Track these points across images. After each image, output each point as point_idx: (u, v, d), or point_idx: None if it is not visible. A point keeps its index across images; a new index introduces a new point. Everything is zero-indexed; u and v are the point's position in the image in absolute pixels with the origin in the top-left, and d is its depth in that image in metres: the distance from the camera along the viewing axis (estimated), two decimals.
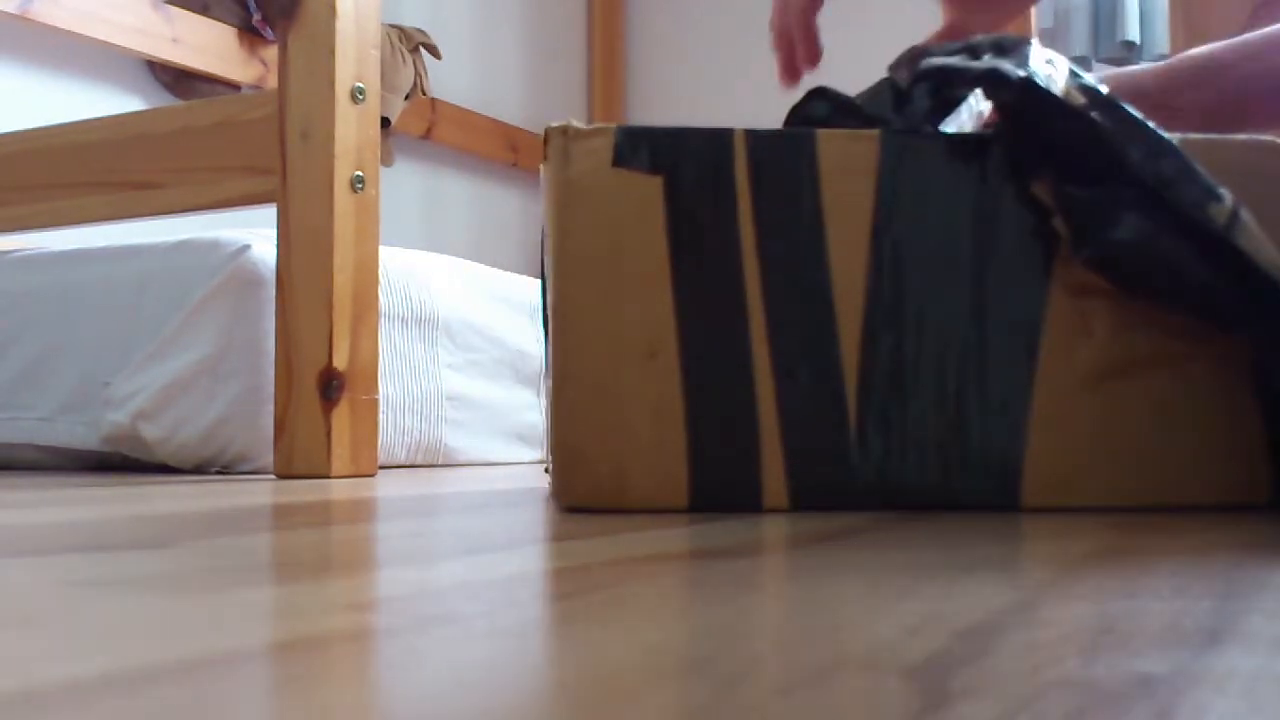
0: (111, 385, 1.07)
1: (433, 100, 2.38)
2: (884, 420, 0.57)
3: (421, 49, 2.19)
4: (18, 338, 1.17)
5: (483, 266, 1.38)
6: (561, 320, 0.56)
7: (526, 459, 1.36)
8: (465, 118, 2.49)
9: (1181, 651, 0.22)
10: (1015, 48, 0.57)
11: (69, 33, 1.68)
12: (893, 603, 0.28)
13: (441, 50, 2.31)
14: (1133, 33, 2.37)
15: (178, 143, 1.05)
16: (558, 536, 0.44)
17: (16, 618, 0.26)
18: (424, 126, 2.37)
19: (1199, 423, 0.58)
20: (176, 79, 1.89)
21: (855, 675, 0.20)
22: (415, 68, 2.17)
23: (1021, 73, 0.56)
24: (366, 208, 0.98)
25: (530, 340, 1.38)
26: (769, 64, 2.74)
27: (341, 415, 0.95)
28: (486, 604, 0.28)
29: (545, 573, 0.34)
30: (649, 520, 0.51)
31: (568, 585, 0.31)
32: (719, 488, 0.56)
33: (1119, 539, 0.44)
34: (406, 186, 2.39)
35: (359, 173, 0.97)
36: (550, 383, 0.58)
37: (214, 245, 1.08)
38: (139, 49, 1.77)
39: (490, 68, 2.61)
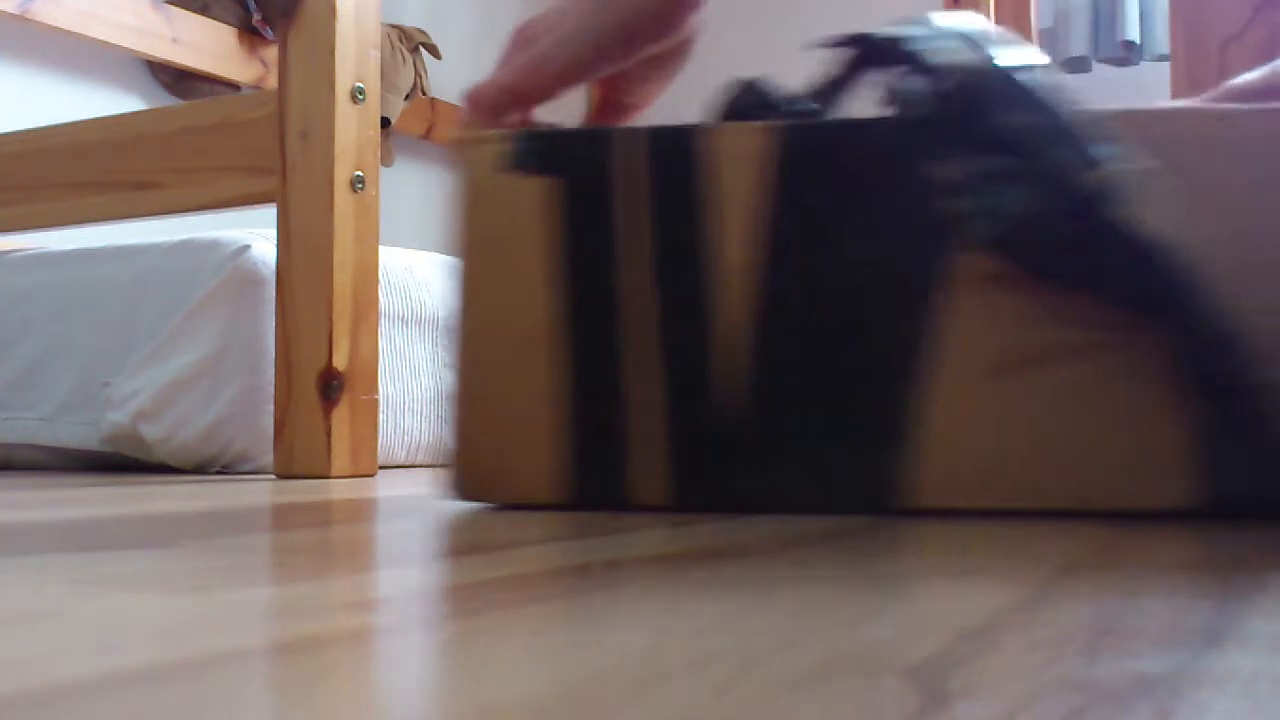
0: (111, 385, 1.07)
1: (433, 100, 2.38)
2: (766, 419, 0.55)
3: (421, 49, 2.19)
4: (18, 338, 1.17)
5: None
6: (461, 320, 0.58)
7: None
8: None
9: (1181, 651, 0.22)
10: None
11: (69, 33, 1.68)
12: (892, 603, 0.28)
13: (441, 50, 2.31)
14: (1133, 33, 2.37)
15: (178, 143, 1.05)
16: (557, 537, 0.44)
17: (16, 618, 0.26)
18: (424, 126, 2.37)
19: (1114, 420, 0.53)
20: (176, 79, 1.89)
21: (854, 675, 0.20)
22: (415, 68, 2.17)
23: (890, 33, 0.54)
24: (366, 208, 0.98)
25: None
26: (767, 63, 2.74)
27: (341, 415, 0.95)
28: (486, 603, 0.28)
29: (545, 572, 0.34)
30: (648, 520, 0.51)
31: (568, 585, 0.31)
32: (597, 484, 0.57)
33: (1118, 539, 0.44)
34: (406, 186, 2.39)
35: (359, 173, 0.97)
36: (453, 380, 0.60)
37: (214, 245, 1.08)
38: (139, 49, 1.77)
39: (490, 68, 2.61)
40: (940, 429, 0.54)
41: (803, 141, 0.56)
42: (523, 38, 0.61)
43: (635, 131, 0.58)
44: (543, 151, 0.58)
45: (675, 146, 0.57)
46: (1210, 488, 0.51)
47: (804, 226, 0.56)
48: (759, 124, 0.57)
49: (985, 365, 0.54)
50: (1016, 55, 0.53)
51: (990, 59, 0.53)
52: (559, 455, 0.57)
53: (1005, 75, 0.53)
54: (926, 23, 0.55)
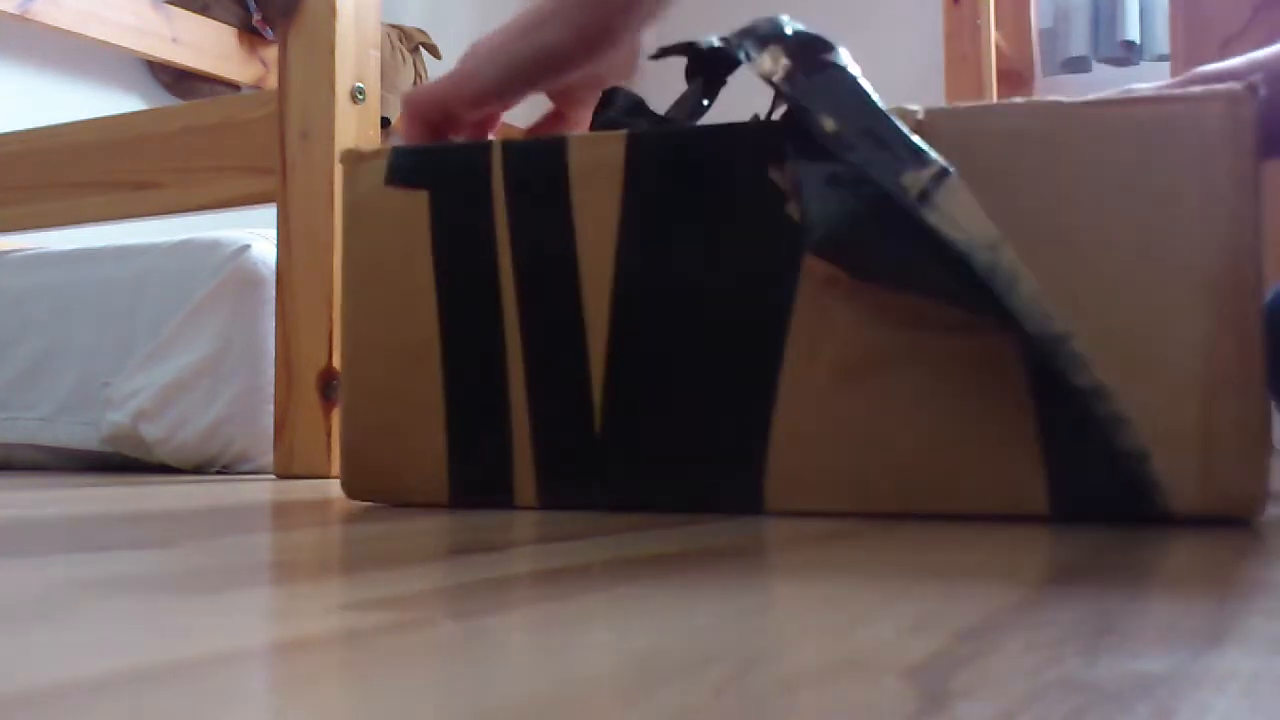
0: (111, 385, 1.07)
1: None
2: (628, 420, 0.57)
3: (421, 49, 2.19)
4: (18, 338, 1.17)
5: None
6: (346, 328, 0.62)
7: None
8: None
9: (1181, 651, 0.22)
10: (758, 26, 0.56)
11: (69, 33, 1.68)
12: (893, 603, 0.28)
13: (441, 50, 2.31)
14: (1133, 33, 2.37)
15: (178, 143, 1.05)
16: (557, 537, 0.44)
17: (16, 618, 0.26)
18: None
19: (960, 424, 0.53)
20: (176, 79, 1.89)
21: (855, 675, 0.20)
22: (415, 68, 2.17)
23: (715, 41, 0.56)
24: None
25: None
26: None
27: None
28: (486, 604, 0.28)
29: (545, 573, 0.34)
30: (648, 520, 0.51)
31: (568, 585, 0.31)
32: (475, 485, 0.59)
33: (1117, 540, 0.44)
34: None
35: None
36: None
37: (214, 245, 1.08)
38: (139, 49, 1.77)
39: None
40: (787, 434, 0.55)
41: (654, 149, 0.57)
42: (468, 53, 0.63)
43: (500, 144, 0.59)
44: (417, 165, 0.60)
45: (537, 157, 0.59)
46: (1054, 490, 0.52)
47: (656, 234, 0.57)
48: (614, 133, 0.58)
49: (829, 369, 0.54)
50: (834, 57, 0.54)
51: (810, 63, 0.54)
52: (439, 458, 0.59)
53: (826, 79, 0.53)
54: (755, 28, 0.56)
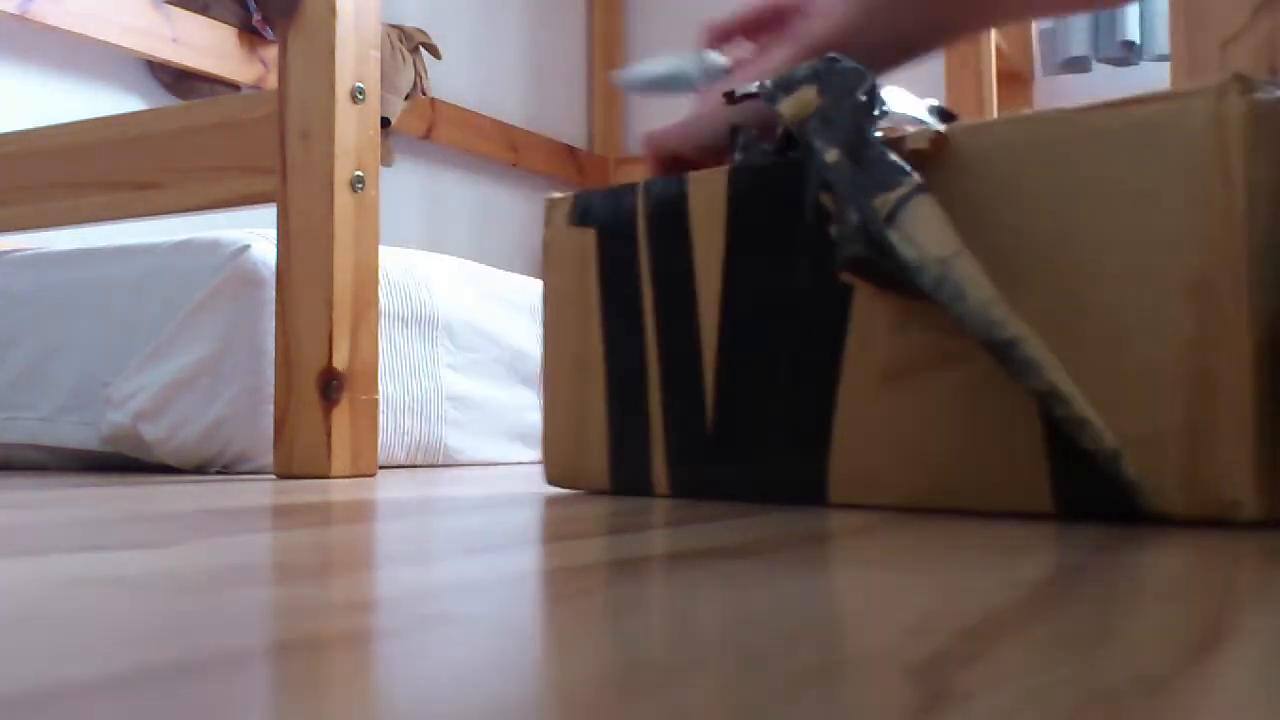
0: (111, 385, 1.07)
1: (433, 100, 2.38)
2: (728, 420, 0.65)
3: (421, 49, 2.19)
4: (18, 338, 1.17)
5: (483, 266, 1.38)
6: (546, 344, 0.74)
7: (526, 459, 1.36)
8: (465, 118, 2.49)
9: (1182, 651, 0.22)
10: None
11: (69, 33, 1.68)
12: (893, 602, 0.28)
13: (441, 50, 2.31)
14: (1133, 33, 2.37)
15: (178, 143, 1.05)
16: (557, 537, 0.44)
17: (16, 618, 0.26)
18: (424, 126, 2.37)
19: (978, 426, 0.55)
20: (176, 79, 1.89)
21: (855, 674, 0.20)
22: (415, 68, 2.17)
23: (752, 89, 0.62)
24: (366, 208, 0.98)
25: (530, 340, 1.38)
26: None
27: (341, 415, 0.95)
28: (486, 604, 0.28)
29: (545, 573, 0.34)
30: (646, 520, 0.51)
31: (567, 585, 0.31)
32: (627, 477, 0.70)
33: (1117, 539, 0.44)
34: (406, 186, 2.39)
35: (359, 173, 0.97)
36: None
37: (214, 245, 1.08)
38: (139, 49, 1.77)
39: (490, 68, 2.61)
40: (845, 432, 0.60)
41: (748, 182, 0.65)
42: (703, 99, 0.71)
43: (643, 186, 0.69)
44: (587, 207, 0.72)
45: (667, 195, 0.68)
46: (1056, 490, 0.53)
47: (751, 257, 0.64)
48: (720, 170, 0.66)
49: (875, 372, 0.59)
50: (860, 90, 0.58)
51: (840, 96, 0.58)
52: (603, 454, 0.71)
53: (842, 112, 0.58)
54: (794, 74, 0.61)
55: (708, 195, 0.66)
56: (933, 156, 0.56)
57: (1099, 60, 2.43)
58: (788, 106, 0.60)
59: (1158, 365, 0.50)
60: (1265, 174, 0.50)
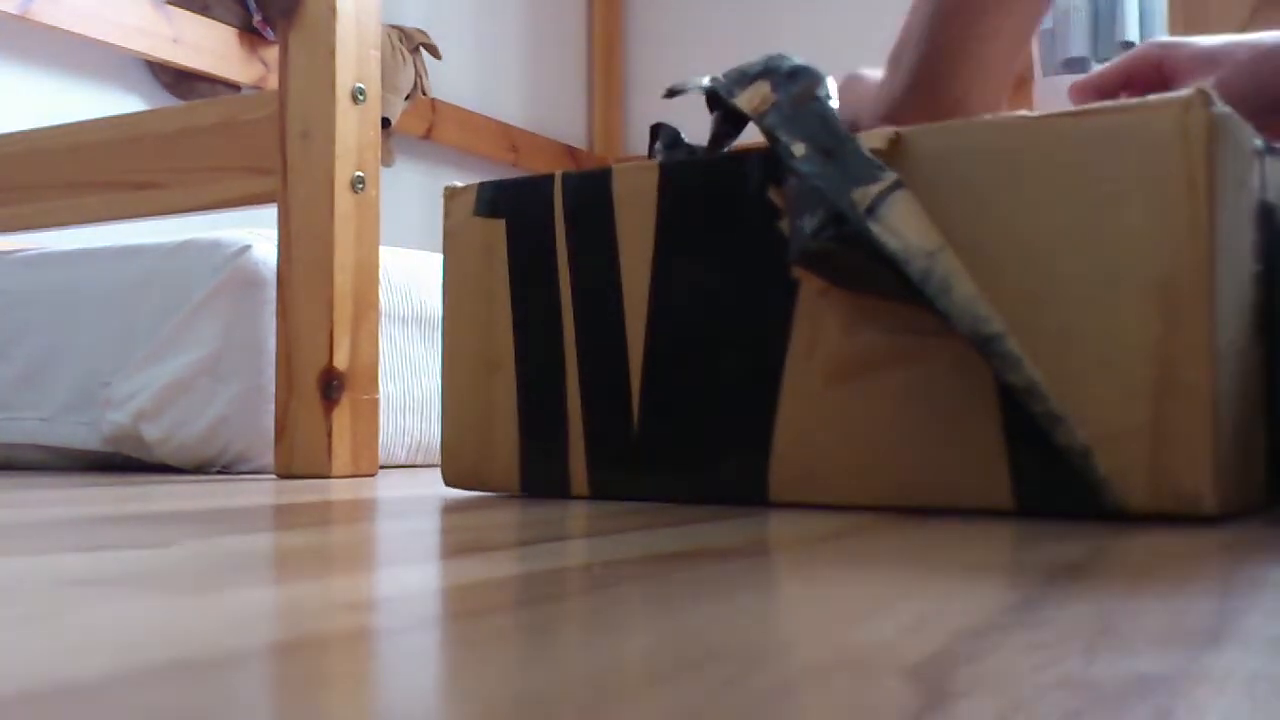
0: (111, 385, 1.07)
1: (433, 100, 2.38)
2: (659, 420, 0.64)
3: (421, 49, 2.19)
4: (18, 338, 1.17)
5: None
6: (445, 341, 0.71)
7: None
8: (465, 118, 2.49)
9: (1181, 651, 0.22)
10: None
11: (69, 33, 1.68)
12: (893, 603, 0.28)
13: (441, 50, 2.31)
14: (1132, 33, 2.37)
15: (178, 143, 1.05)
16: (556, 537, 0.44)
17: (16, 618, 0.26)
18: (424, 126, 2.37)
19: (933, 424, 0.56)
20: (176, 79, 1.89)
21: (855, 675, 0.20)
22: (415, 68, 2.17)
23: (704, 82, 0.63)
24: (366, 208, 0.98)
25: None
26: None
27: (342, 415, 0.95)
28: (486, 604, 0.28)
29: (544, 573, 0.34)
30: (646, 520, 0.51)
31: (566, 586, 0.31)
32: (540, 478, 0.68)
33: (1117, 539, 0.44)
34: (406, 186, 2.39)
35: (359, 173, 0.97)
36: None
37: (214, 245, 1.08)
38: (139, 49, 1.77)
39: (490, 68, 2.61)
40: (788, 431, 0.60)
41: (681, 177, 0.64)
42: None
43: (560, 176, 0.67)
44: (497, 198, 0.70)
45: (588, 187, 0.66)
46: (1017, 487, 0.55)
47: (683, 254, 0.64)
48: (649, 163, 0.65)
49: (822, 371, 0.59)
50: (820, 90, 0.59)
51: (798, 95, 0.59)
52: (513, 454, 0.68)
53: (805, 110, 0.58)
54: (747, 68, 0.62)
55: (635, 189, 0.65)
56: (889, 156, 0.57)
57: (1099, 60, 2.42)
58: (744, 100, 0.60)
59: (1123, 365, 0.52)
60: (1226, 182, 0.52)
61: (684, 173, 0.63)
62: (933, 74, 0.64)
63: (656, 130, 0.67)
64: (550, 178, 0.68)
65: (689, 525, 0.49)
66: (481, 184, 0.70)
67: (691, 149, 0.66)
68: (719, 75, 0.63)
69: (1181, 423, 0.51)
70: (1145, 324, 0.52)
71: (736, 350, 0.61)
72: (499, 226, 0.69)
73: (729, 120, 0.64)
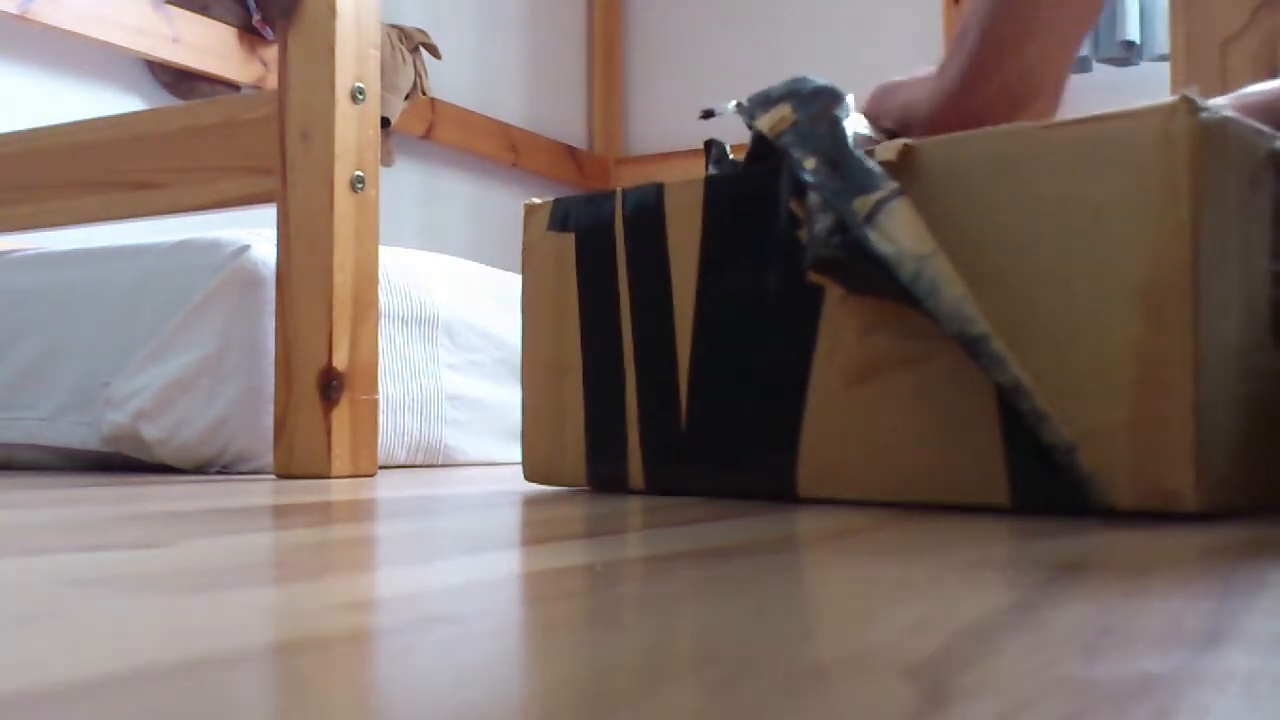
0: (111, 385, 1.07)
1: (433, 100, 2.38)
2: (703, 421, 0.68)
3: (421, 49, 2.19)
4: (18, 338, 1.17)
5: (482, 266, 1.38)
6: (524, 347, 0.77)
7: None
8: (465, 118, 2.49)
9: (1181, 651, 0.22)
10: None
11: (69, 33, 1.68)
12: (893, 603, 0.28)
13: (441, 50, 2.31)
14: (1133, 33, 2.37)
15: (178, 143, 1.05)
16: (556, 537, 0.44)
17: (16, 618, 0.26)
18: (424, 126, 2.37)
19: (939, 424, 0.59)
20: (176, 79, 1.89)
21: (855, 675, 0.20)
22: (415, 68, 2.17)
23: (731, 108, 0.66)
24: (366, 208, 0.98)
25: None
26: (767, 64, 2.74)
27: (341, 415, 0.95)
28: (486, 604, 0.28)
29: (544, 573, 0.34)
30: (645, 520, 0.51)
31: (567, 586, 0.31)
32: (603, 474, 0.73)
33: (1117, 539, 0.44)
34: (406, 186, 2.39)
35: (359, 173, 0.97)
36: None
37: (214, 245, 1.08)
38: (139, 49, 1.77)
39: (490, 68, 2.61)
40: (813, 431, 0.63)
41: (723, 190, 0.68)
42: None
43: (621, 192, 0.72)
44: (567, 213, 0.75)
45: (644, 202, 0.71)
46: (1013, 485, 0.56)
47: (725, 262, 0.67)
48: (696, 179, 0.68)
49: (841, 373, 0.62)
50: (839, 109, 0.62)
51: (817, 113, 0.62)
52: (580, 452, 0.74)
53: (821, 127, 0.61)
54: (770, 91, 0.65)
55: (683, 203, 0.69)
56: (900, 168, 0.59)
57: (1099, 60, 2.42)
58: (764, 122, 0.64)
59: (1108, 364, 0.53)
60: (1210, 188, 0.53)
61: (725, 187, 0.67)
62: (986, 68, 0.65)
63: (709, 146, 0.71)
64: (613, 194, 0.73)
65: (683, 527, 0.49)
66: (556, 200, 0.75)
67: (735, 164, 0.69)
68: (743, 100, 0.66)
69: (1164, 421, 0.52)
70: (1128, 325, 0.53)
71: (768, 353, 0.65)
72: (569, 240, 0.74)
73: (762, 139, 0.67)
